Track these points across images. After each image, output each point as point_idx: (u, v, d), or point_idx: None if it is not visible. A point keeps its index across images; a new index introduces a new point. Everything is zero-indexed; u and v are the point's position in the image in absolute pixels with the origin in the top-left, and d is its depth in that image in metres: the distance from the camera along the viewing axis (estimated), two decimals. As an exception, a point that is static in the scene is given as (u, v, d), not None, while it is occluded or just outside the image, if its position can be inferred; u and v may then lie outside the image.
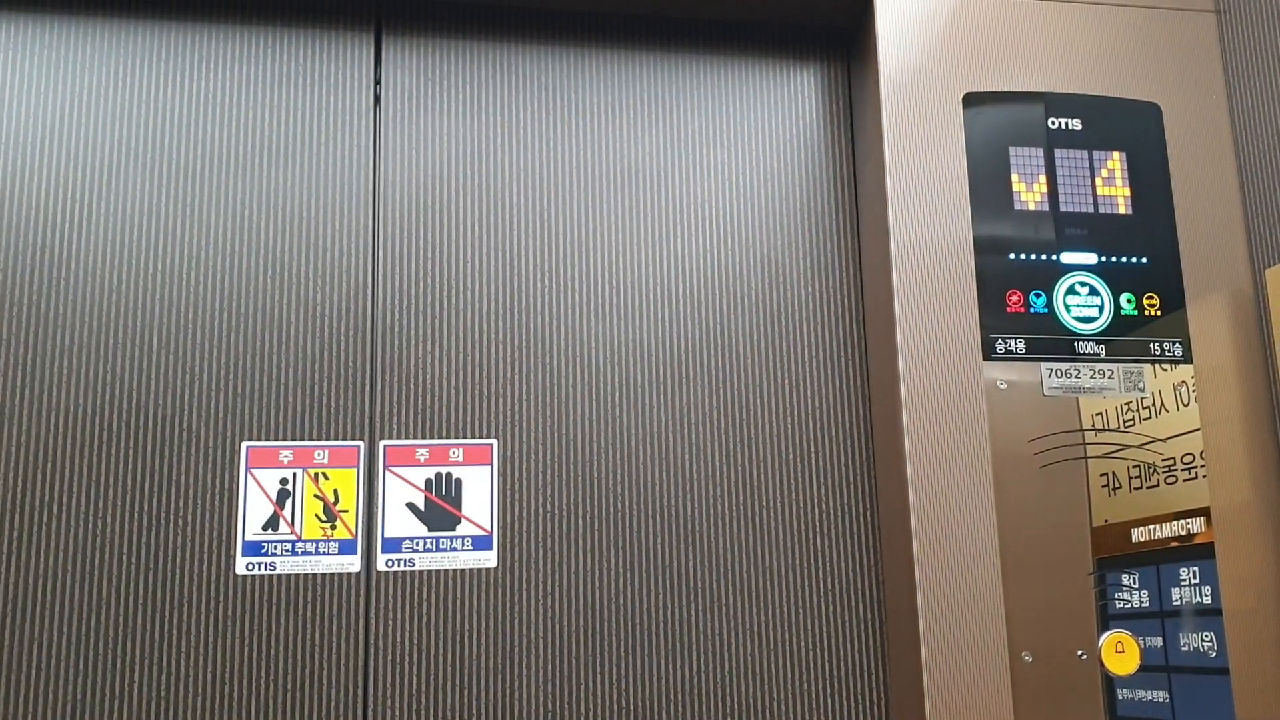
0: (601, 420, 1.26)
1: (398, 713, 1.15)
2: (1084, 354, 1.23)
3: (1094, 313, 1.25)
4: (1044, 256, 1.26)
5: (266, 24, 1.31)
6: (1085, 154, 1.29)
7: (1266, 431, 1.24)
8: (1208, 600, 1.18)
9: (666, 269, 1.32)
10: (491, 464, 1.22)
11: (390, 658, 1.16)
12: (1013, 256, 1.25)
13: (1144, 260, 1.27)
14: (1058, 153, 1.29)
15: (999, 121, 1.29)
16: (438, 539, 1.20)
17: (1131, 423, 1.22)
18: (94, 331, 1.19)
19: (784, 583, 1.26)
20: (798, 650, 1.24)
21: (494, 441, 1.23)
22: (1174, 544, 1.19)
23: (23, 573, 1.13)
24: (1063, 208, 1.27)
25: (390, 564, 1.18)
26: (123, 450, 1.17)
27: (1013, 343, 1.22)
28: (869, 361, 1.32)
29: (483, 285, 1.27)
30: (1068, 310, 1.24)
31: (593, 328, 1.29)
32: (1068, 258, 1.26)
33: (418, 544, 1.19)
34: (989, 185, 1.26)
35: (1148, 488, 1.21)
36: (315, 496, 1.18)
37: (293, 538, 1.17)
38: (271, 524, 1.17)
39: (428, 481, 1.21)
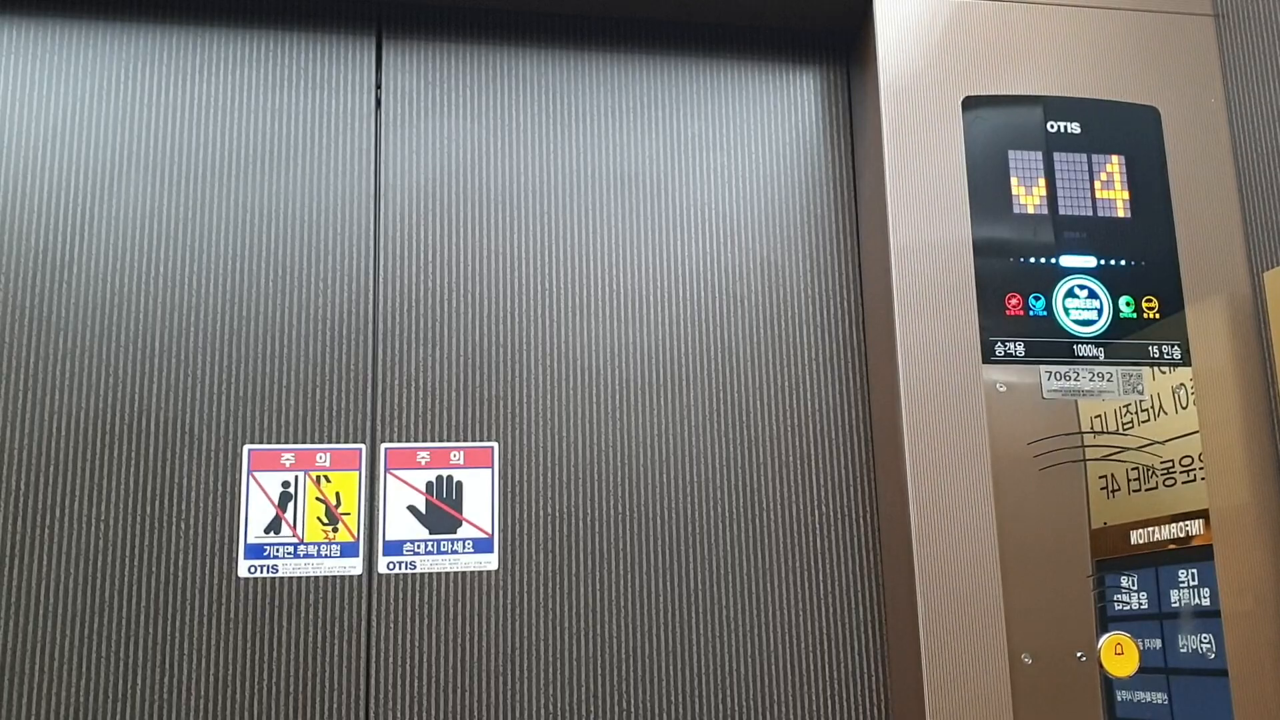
0: (602, 423, 1.26)
1: (399, 715, 1.15)
2: (1083, 357, 1.24)
3: (1093, 316, 1.25)
4: (1043, 259, 1.26)
5: (268, 28, 1.32)
6: (1084, 157, 1.29)
7: (1265, 434, 1.24)
8: (1206, 602, 1.18)
9: (666, 272, 1.32)
10: (492, 467, 1.23)
11: (392, 660, 1.16)
12: (1012, 260, 1.25)
13: (1143, 263, 1.28)
14: (1057, 156, 1.29)
15: (998, 125, 1.29)
16: (439, 542, 1.20)
17: (1130, 425, 1.23)
18: (96, 335, 1.20)
19: (784, 585, 1.26)
20: (798, 652, 1.24)
21: (495, 444, 1.24)
22: (1172, 546, 1.20)
23: (25, 576, 1.13)
24: (1062, 211, 1.28)
25: (391, 566, 1.18)
26: (125, 453, 1.17)
27: (1012, 345, 1.22)
28: (869, 364, 1.33)
29: (483, 288, 1.28)
30: (1067, 313, 1.25)
31: (593, 331, 1.29)
32: (1067, 261, 1.26)
33: (419, 547, 1.19)
34: (988, 188, 1.27)
35: (1146, 490, 1.21)
36: (317, 499, 1.19)
37: (295, 540, 1.17)
38: (273, 527, 1.17)
39: (429, 484, 1.21)
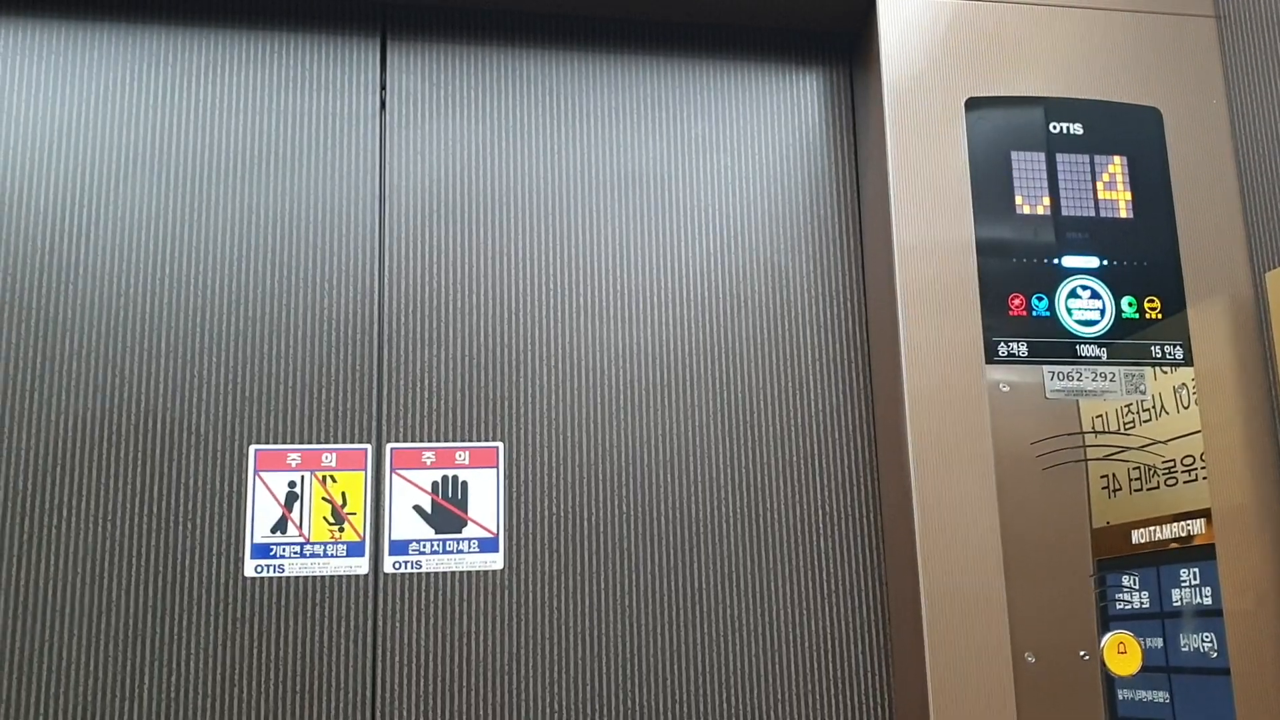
0: (606, 423, 1.27)
1: (405, 714, 1.16)
2: (1086, 357, 1.24)
3: (1095, 316, 1.25)
4: (1045, 260, 1.26)
5: (272, 29, 1.32)
6: (1086, 158, 1.30)
7: (1266, 434, 1.25)
8: (1208, 601, 1.19)
9: (671, 272, 1.33)
10: (497, 467, 1.23)
11: (397, 659, 1.17)
12: (1015, 260, 1.26)
13: (1145, 264, 1.28)
14: (1059, 157, 1.29)
15: (1001, 126, 1.29)
16: (444, 541, 1.20)
17: (1132, 425, 1.23)
18: (102, 336, 1.20)
19: (788, 584, 1.26)
20: (802, 651, 1.25)
21: (500, 444, 1.24)
22: (1174, 545, 1.20)
23: (32, 576, 1.13)
24: (1064, 212, 1.28)
25: (397, 566, 1.19)
26: (131, 454, 1.17)
27: (1015, 346, 1.23)
28: (872, 364, 1.33)
29: (488, 289, 1.28)
30: (1069, 313, 1.25)
31: (597, 331, 1.29)
32: (1069, 261, 1.27)
33: (424, 546, 1.20)
34: (991, 189, 1.27)
35: (1148, 489, 1.22)
36: (323, 499, 1.19)
37: (301, 540, 1.18)
38: (280, 526, 1.18)
39: (434, 484, 1.22)
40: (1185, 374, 1.25)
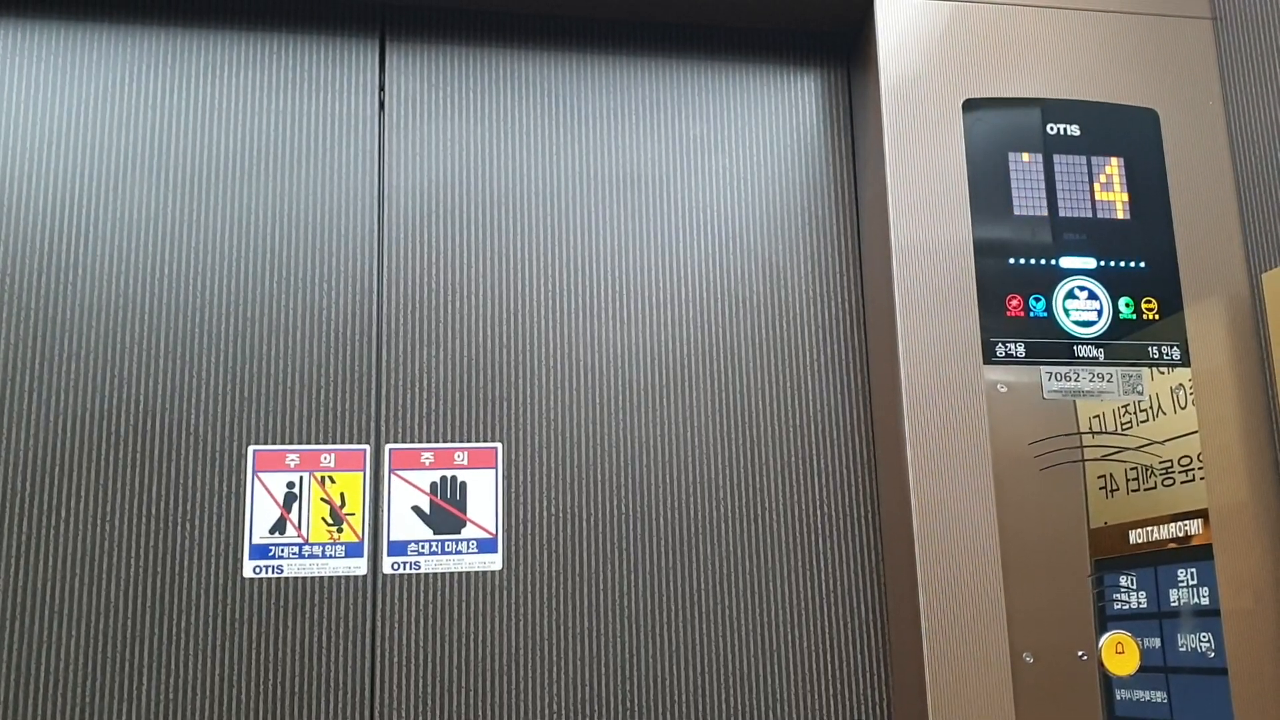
0: (605, 423, 1.27)
1: (404, 715, 1.16)
2: (1083, 358, 1.24)
3: (1093, 316, 1.26)
4: (1043, 261, 1.27)
5: (272, 30, 1.32)
6: (1084, 159, 1.30)
7: (1263, 433, 1.25)
8: (1206, 601, 1.19)
9: (669, 273, 1.33)
10: (496, 467, 1.23)
11: (396, 660, 1.17)
12: (1012, 261, 1.26)
13: (1142, 264, 1.28)
14: (1056, 158, 1.30)
15: (998, 127, 1.30)
16: (443, 542, 1.20)
17: (1129, 425, 1.23)
18: (100, 336, 1.20)
19: (787, 585, 1.26)
20: (801, 652, 1.25)
21: (498, 445, 1.24)
22: (1172, 545, 1.20)
23: (30, 576, 1.13)
24: (1061, 213, 1.28)
25: (396, 567, 1.19)
26: (130, 454, 1.17)
27: (1013, 346, 1.23)
28: (870, 365, 1.33)
29: (487, 290, 1.28)
30: (1067, 314, 1.25)
31: (596, 332, 1.29)
32: (1067, 262, 1.27)
33: (423, 547, 1.20)
34: (988, 190, 1.27)
35: (1145, 490, 1.22)
36: (322, 500, 1.19)
37: (299, 541, 1.18)
38: (278, 527, 1.18)
39: (433, 485, 1.22)
40: (1182, 374, 1.25)
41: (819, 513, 1.29)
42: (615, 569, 1.23)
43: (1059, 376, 1.23)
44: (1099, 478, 1.21)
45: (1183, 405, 1.24)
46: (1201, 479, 1.22)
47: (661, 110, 1.38)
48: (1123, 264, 1.28)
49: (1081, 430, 1.22)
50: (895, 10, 1.32)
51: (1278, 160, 1.26)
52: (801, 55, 1.44)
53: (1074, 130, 1.31)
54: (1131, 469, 1.22)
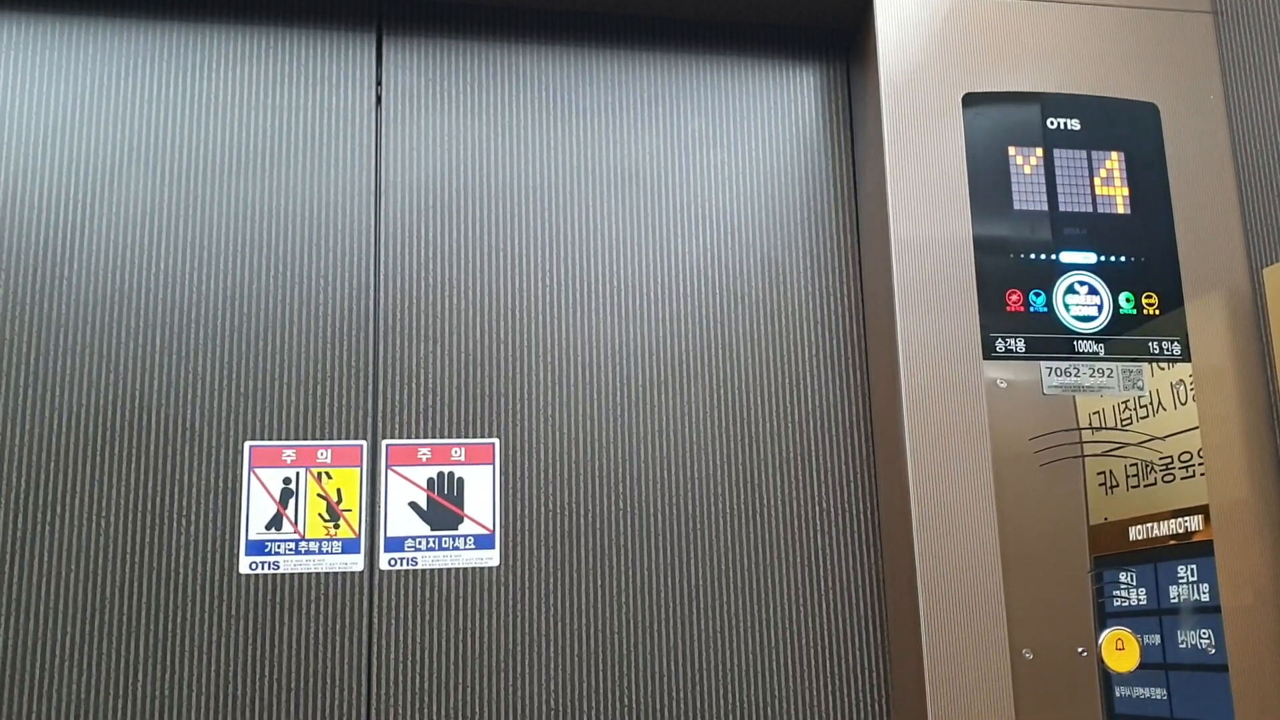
0: (603, 419, 1.26)
1: (400, 711, 1.15)
2: (1083, 353, 1.24)
3: (1093, 312, 1.25)
4: (1043, 256, 1.26)
5: (268, 24, 1.31)
6: (1084, 154, 1.30)
7: (1264, 429, 1.24)
8: (1206, 598, 1.18)
9: (667, 268, 1.32)
10: (493, 463, 1.23)
11: (393, 656, 1.16)
12: (1012, 256, 1.26)
13: (1142, 259, 1.28)
14: (1056, 153, 1.29)
15: (998, 121, 1.29)
16: (440, 538, 1.20)
17: (1129, 421, 1.23)
18: (97, 331, 1.19)
19: (785, 580, 1.26)
20: (799, 648, 1.25)
21: (496, 440, 1.24)
22: (1172, 542, 1.20)
23: (26, 572, 1.13)
24: (1061, 208, 1.28)
25: (393, 563, 1.18)
26: (126, 450, 1.17)
27: (1012, 342, 1.23)
28: (869, 360, 1.33)
29: (484, 285, 1.28)
30: (1067, 309, 1.25)
31: (594, 327, 1.29)
32: (1067, 257, 1.26)
33: (420, 543, 1.19)
34: (988, 185, 1.27)
35: (1145, 486, 1.21)
36: (318, 495, 1.19)
37: (296, 537, 1.17)
38: (275, 523, 1.17)
39: (430, 480, 1.21)
40: (1183, 370, 1.25)
41: (818, 508, 1.29)
42: (613, 565, 1.23)
43: (1059, 372, 1.23)
44: (1099, 474, 1.21)
45: (1183, 401, 1.24)
46: (1202, 475, 1.22)
47: (660, 105, 1.38)
48: (1123, 259, 1.28)
49: (1081, 426, 1.22)
50: (895, 4, 1.31)
51: (1279, 155, 1.25)
52: (800, 50, 1.43)
53: (1074, 124, 1.30)
54: (1132, 465, 1.22)
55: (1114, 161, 1.30)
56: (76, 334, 1.19)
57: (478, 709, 1.17)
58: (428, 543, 1.19)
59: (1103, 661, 1.16)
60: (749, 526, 1.27)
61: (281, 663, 1.14)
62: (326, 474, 1.19)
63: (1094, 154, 1.30)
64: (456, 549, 1.20)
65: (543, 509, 1.23)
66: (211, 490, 1.17)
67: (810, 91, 1.42)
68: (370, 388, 1.23)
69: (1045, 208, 1.27)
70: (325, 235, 1.26)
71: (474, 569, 1.20)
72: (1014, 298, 1.24)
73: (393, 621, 1.17)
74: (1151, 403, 1.24)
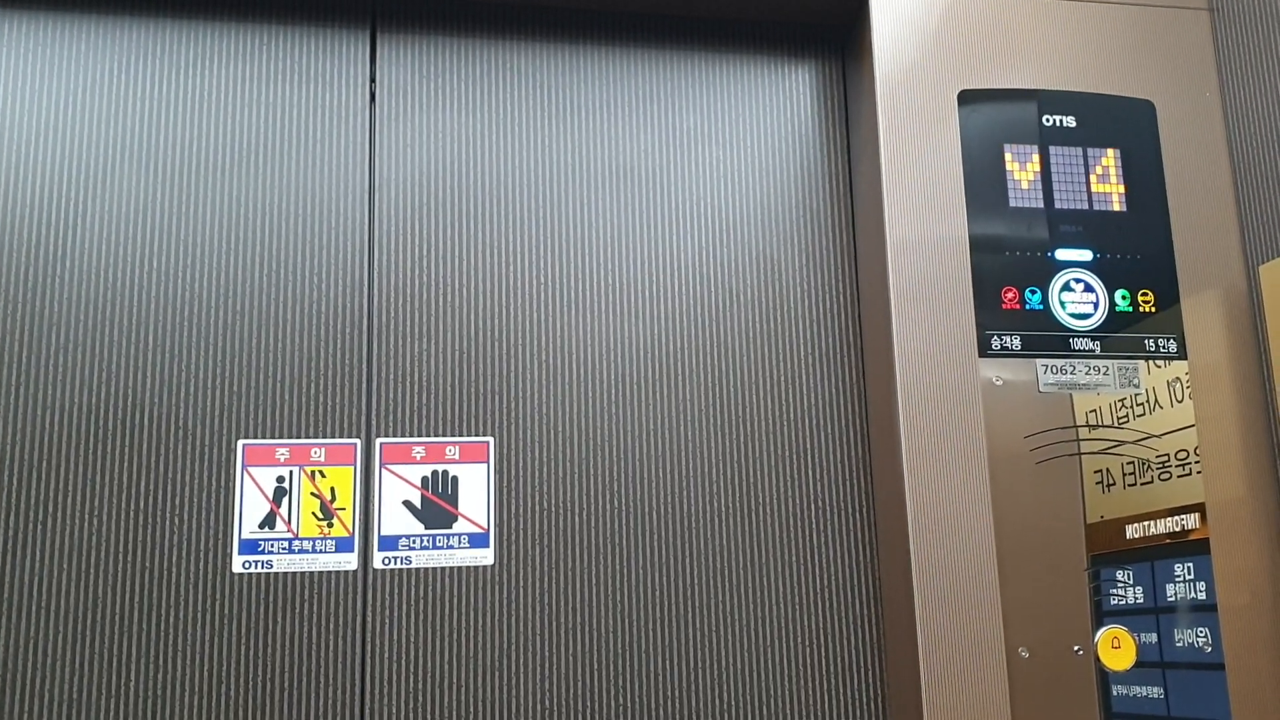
0: (598, 417, 1.26)
1: (394, 710, 1.15)
2: (1079, 350, 1.24)
3: (1089, 309, 1.25)
4: (1039, 253, 1.26)
5: (262, 21, 1.31)
6: (1080, 151, 1.29)
7: (1260, 427, 1.24)
8: (1202, 596, 1.18)
9: (662, 266, 1.32)
10: (488, 461, 1.22)
11: (387, 655, 1.16)
12: (1008, 253, 1.25)
13: (1138, 257, 1.28)
14: (1052, 150, 1.29)
15: (994, 119, 1.29)
16: (434, 537, 1.19)
17: (1126, 419, 1.23)
18: (89, 330, 1.19)
19: (781, 579, 1.26)
20: (795, 646, 1.24)
21: (490, 439, 1.23)
22: (1168, 540, 1.20)
23: (18, 572, 1.12)
24: (1057, 205, 1.28)
25: (387, 562, 1.18)
26: (119, 448, 1.17)
27: (1008, 339, 1.22)
28: (865, 358, 1.33)
29: (478, 282, 1.27)
30: (1063, 307, 1.25)
31: (588, 325, 1.29)
32: (1063, 254, 1.26)
33: (414, 542, 1.19)
34: (984, 182, 1.27)
35: (1142, 484, 1.21)
36: (312, 494, 1.18)
37: (289, 536, 1.17)
38: (268, 522, 1.17)
39: (424, 479, 1.21)
40: (1179, 367, 1.25)
41: (813, 507, 1.28)
42: (608, 564, 1.22)
43: (1055, 370, 1.22)
44: (1095, 472, 1.21)
45: (1179, 398, 1.24)
46: (1198, 473, 1.21)
47: (655, 102, 1.37)
48: (1119, 256, 1.27)
49: (1078, 424, 1.22)
50: (890, 1, 1.31)
51: (1275, 152, 1.25)
52: (796, 47, 1.43)
53: (1070, 122, 1.30)
54: (1128, 463, 1.21)
55: (1110, 159, 1.30)
56: (68, 332, 1.19)
57: (472, 708, 1.16)
58: (422, 541, 1.19)
59: (1099, 660, 1.16)
60: (744, 524, 1.26)
61: (275, 662, 1.14)
62: (320, 472, 1.19)
63: (1090, 151, 1.30)
64: (451, 548, 1.19)
65: (537, 507, 1.22)
66: (204, 489, 1.17)
67: (805, 89, 1.41)
68: (364, 386, 1.22)
69: (1041, 205, 1.27)
70: (319, 232, 1.26)
71: (468, 568, 1.19)
72: (1010, 295, 1.24)
73: (386, 621, 1.17)
74: (1148, 400, 1.23)
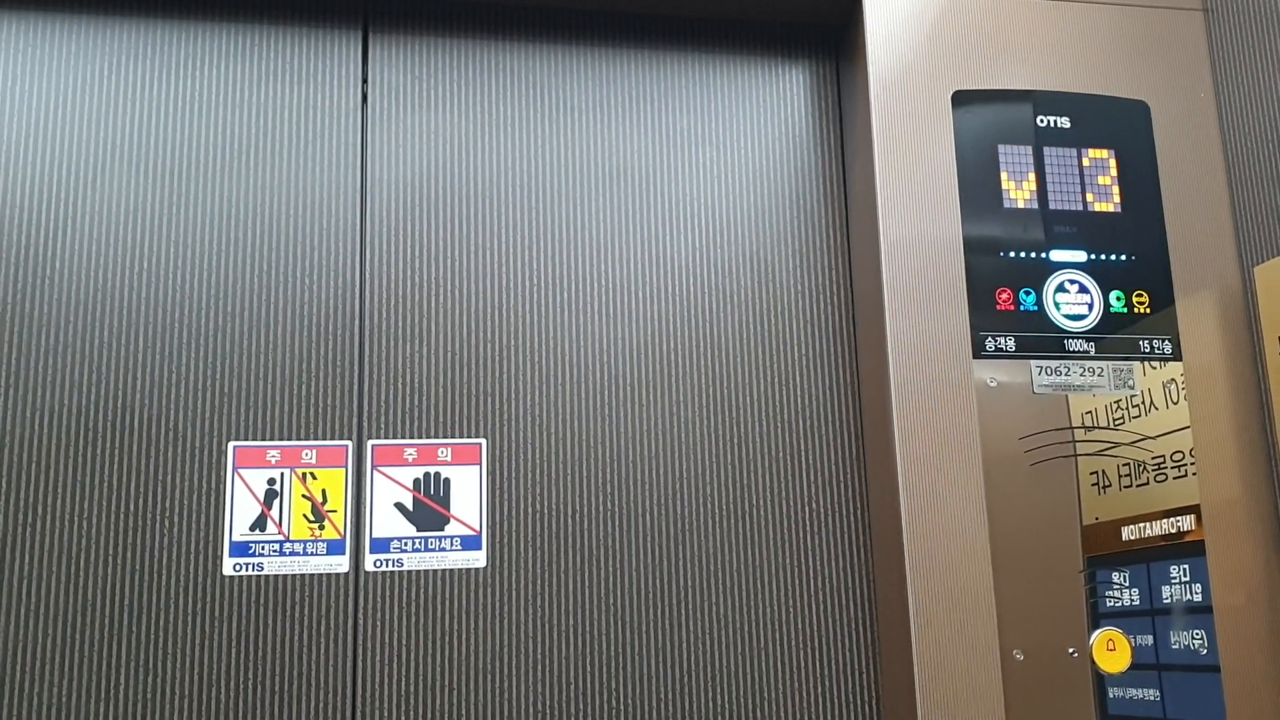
0: (590, 419, 1.26)
1: (385, 713, 1.14)
2: (1074, 352, 1.23)
3: (1083, 310, 1.25)
4: (1033, 254, 1.26)
5: (253, 22, 1.31)
6: (1074, 152, 1.29)
7: (1256, 428, 1.24)
8: (1198, 598, 1.18)
9: (655, 267, 1.32)
10: (480, 463, 1.22)
11: (378, 658, 1.16)
12: (1002, 254, 1.25)
13: (1133, 258, 1.28)
14: (1047, 151, 1.29)
15: (988, 120, 1.29)
16: (426, 539, 1.19)
17: (1121, 421, 1.23)
18: (79, 331, 1.19)
19: (774, 581, 1.25)
20: (789, 649, 1.24)
21: (482, 441, 1.23)
22: (1164, 542, 1.20)
23: (7, 574, 1.12)
24: (1052, 206, 1.27)
25: (378, 564, 1.17)
26: (109, 450, 1.16)
27: (1003, 340, 1.22)
28: (859, 359, 1.32)
29: (470, 283, 1.27)
30: (1057, 308, 1.24)
31: (581, 326, 1.28)
32: (1057, 255, 1.26)
33: (406, 544, 1.18)
34: (978, 183, 1.27)
35: (1137, 486, 1.21)
36: (303, 496, 1.18)
37: (280, 538, 1.16)
38: (259, 524, 1.16)
39: (416, 481, 1.20)
40: (1174, 369, 1.24)
41: (807, 509, 1.28)
42: (601, 566, 1.22)
43: (1049, 371, 1.22)
44: (1091, 473, 1.20)
45: (1175, 400, 1.23)
46: (1194, 474, 1.21)
47: (648, 103, 1.37)
48: (1114, 257, 1.27)
49: (1073, 425, 1.21)
50: (884, 2, 1.31)
51: (1269, 152, 1.25)
52: (790, 48, 1.43)
53: (1065, 122, 1.30)
54: (1124, 464, 1.21)
55: (1105, 159, 1.30)
56: (58, 333, 1.18)
57: (464, 712, 1.16)
58: (414, 544, 1.19)
59: (1094, 662, 1.15)
60: (738, 526, 1.26)
61: (266, 665, 1.14)
62: (311, 474, 1.18)
63: (1084, 152, 1.30)
64: (443, 550, 1.19)
65: (530, 509, 1.22)
66: (195, 491, 1.16)
67: (799, 89, 1.41)
68: (355, 387, 1.22)
69: (1035, 206, 1.27)
70: (310, 234, 1.25)
71: (460, 570, 1.19)
72: (1004, 296, 1.24)
73: (378, 624, 1.16)
74: (1143, 402, 1.23)
